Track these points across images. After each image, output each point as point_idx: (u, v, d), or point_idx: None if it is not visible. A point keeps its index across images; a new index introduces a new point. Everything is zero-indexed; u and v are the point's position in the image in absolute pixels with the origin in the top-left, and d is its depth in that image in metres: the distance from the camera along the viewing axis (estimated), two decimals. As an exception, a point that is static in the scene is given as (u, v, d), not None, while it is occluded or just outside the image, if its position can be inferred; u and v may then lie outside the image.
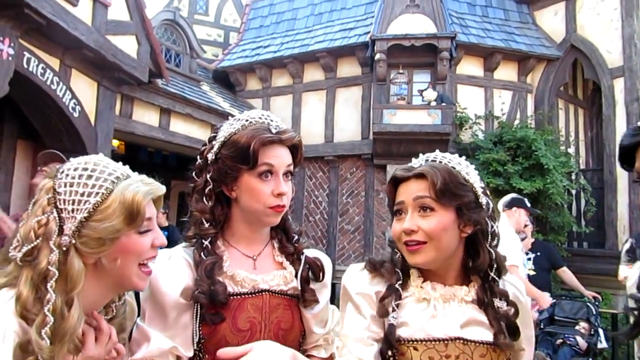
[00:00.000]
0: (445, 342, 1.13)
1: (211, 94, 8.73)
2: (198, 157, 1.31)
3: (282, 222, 1.33)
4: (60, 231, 0.97)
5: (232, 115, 1.32)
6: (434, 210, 1.14)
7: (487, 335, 1.15)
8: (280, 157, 1.23)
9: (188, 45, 8.52)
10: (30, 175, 5.69)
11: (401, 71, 8.03)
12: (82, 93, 5.53)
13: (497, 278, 1.19)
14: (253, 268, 1.27)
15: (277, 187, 1.22)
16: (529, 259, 5.15)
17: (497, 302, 1.16)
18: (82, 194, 0.98)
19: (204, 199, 1.25)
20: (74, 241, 0.96)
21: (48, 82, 4.97)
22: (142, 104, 6.85)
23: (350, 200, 8.66)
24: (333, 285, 1.48)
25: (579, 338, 4.79)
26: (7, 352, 0.88)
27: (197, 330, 1.18)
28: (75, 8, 5.03)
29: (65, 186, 0.99)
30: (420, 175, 1.16)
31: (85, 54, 5.33)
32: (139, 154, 8.80)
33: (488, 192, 1.23)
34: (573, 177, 7.79)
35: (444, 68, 7.91)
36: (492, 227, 1.19)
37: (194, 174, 1.30)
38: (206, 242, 1.22)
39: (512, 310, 1.17)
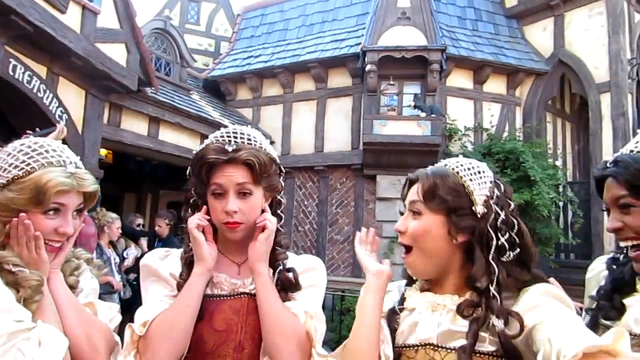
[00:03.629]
0: (416, 348, 1.17)
1: (201, 103, 8.68)
2: None
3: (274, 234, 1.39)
4: None
5: (222, 125, 1.36)
6: (421, 214, 1.19)
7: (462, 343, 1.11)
8: (229, 177, 1.27)
9: (178, 54, 8.49)
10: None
11: (392, 82, 8.04)
12: (69, 101, 5.47)
13: (496, 294, 1.11)
14: (237, 273, 1.35)
15: (225, 205, 1.27)
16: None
17: (494, 320, 1.08)
18: (10, 165, 1.14)
19: (190, 209, 1.36)
20: None
21: (34, 90, 4.91)
22: (130, 113, 6.78)
23: (339, 211, 8.63)
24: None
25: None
26: None
27: None
28: (63, 15, 5.00)
29: (4, 153, 1.16)
30: (416, 180, 1.24)
31: (74, 61, 5.28)
32: (128, 164, 8.73)
33: (510, 205, 1.20)
34: (560, 189, 7.84)
35: (434, 80, 7.96)
36: (497, 238, 1.15)
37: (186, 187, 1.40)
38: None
39: (513, 330, 1.06)
